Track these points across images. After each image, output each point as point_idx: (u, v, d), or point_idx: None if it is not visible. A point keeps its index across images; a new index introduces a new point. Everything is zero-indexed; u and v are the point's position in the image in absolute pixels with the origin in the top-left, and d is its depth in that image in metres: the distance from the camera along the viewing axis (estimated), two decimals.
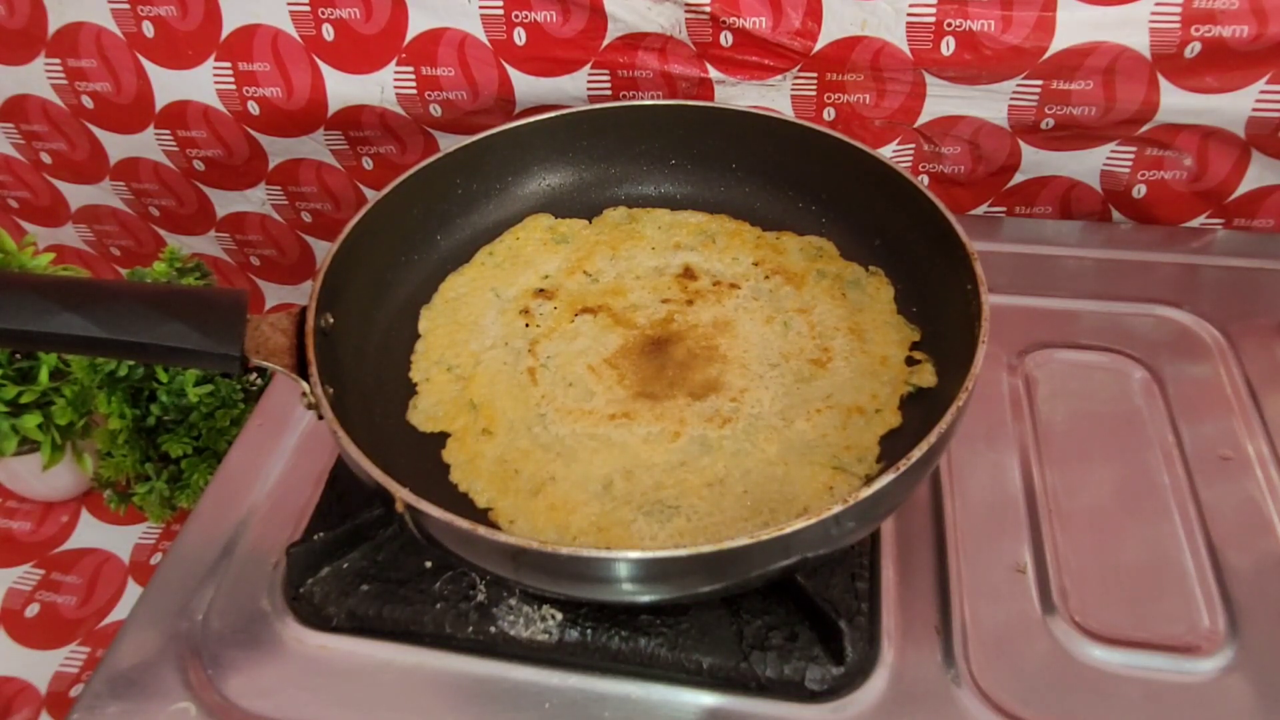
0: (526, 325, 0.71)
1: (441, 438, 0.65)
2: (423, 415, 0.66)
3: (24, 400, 0.90)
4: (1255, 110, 0.81)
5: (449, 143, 0.80)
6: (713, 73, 0.88)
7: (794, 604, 0.59)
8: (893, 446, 0.61)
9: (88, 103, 1.02)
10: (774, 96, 0.89)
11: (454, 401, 0.67)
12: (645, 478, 0.60)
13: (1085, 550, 0.63)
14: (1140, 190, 0.91)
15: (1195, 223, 0.92)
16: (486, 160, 0.77)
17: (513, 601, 0.61)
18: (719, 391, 0.64)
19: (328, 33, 0.92)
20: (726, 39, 0.85)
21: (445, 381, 0.68)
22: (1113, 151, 0.88)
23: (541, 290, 0.73)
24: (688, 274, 0.73)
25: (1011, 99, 0.84)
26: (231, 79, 0.97)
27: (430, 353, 0.70)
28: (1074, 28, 0.79)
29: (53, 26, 0.97)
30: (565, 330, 0.70)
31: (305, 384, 0.56)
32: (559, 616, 0.60)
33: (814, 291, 0.70)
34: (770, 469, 0.60)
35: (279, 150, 1.04)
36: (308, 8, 0.91)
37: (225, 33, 0.94)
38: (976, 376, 0.54)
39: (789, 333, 0.68)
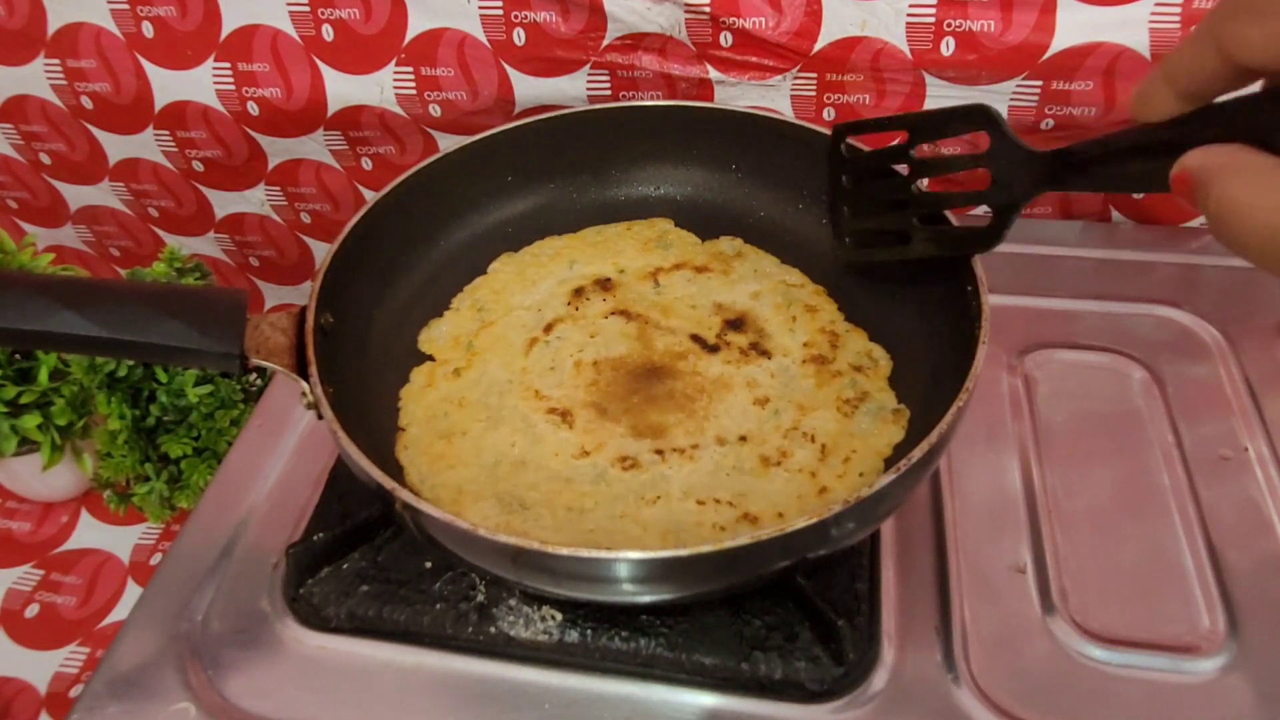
0: (568, 304, 0.72)
1: None
2: (429, 335, 0.71)
3: (24, 400, 0.90)
4: None
5: (449, 143, 0.80)
6: (713, 73, 0.88)
7: (794, 604, 0.59)
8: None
9: (87, 103, 1.02)
10: (774, 97, 0.89)
11: (460, 337, 0.71)
12: (529, 474, 0.61)
13: (1085, 550, 0.63)
14: None
15: (1195, 223, 0.92)
16: (486, 160, 0.77)
17: (512, 602, 0.61)
18: (658, 439, 0.62)
19: (327, 33, 0.92)
20: (726, 39, 0.85)
21: (469, 317, 0.72)
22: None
23: (607, 280, 0.74)
24: (738, 323, 0.69)
25: (1011, 99, 0.84)
26: (231, 79, 0.97)
27: (478, 289, 0.74)
28: (1074, 28, 0.79)
29: (52, 27, 0.97)
30: (592, 323, 0.70)
31: (305, 383, 0.56)
32: (559, 617, 0.60)
33: (829, 395, 0.64)
34: (628, 526, 0.58)
35: (278, 151, 1.04)
36: (307, 8, 0.91)
37: (225, 33, 0.94)
38: (977, 377, 0.53)
39: (770, 420, 0.63)
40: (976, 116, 0.57)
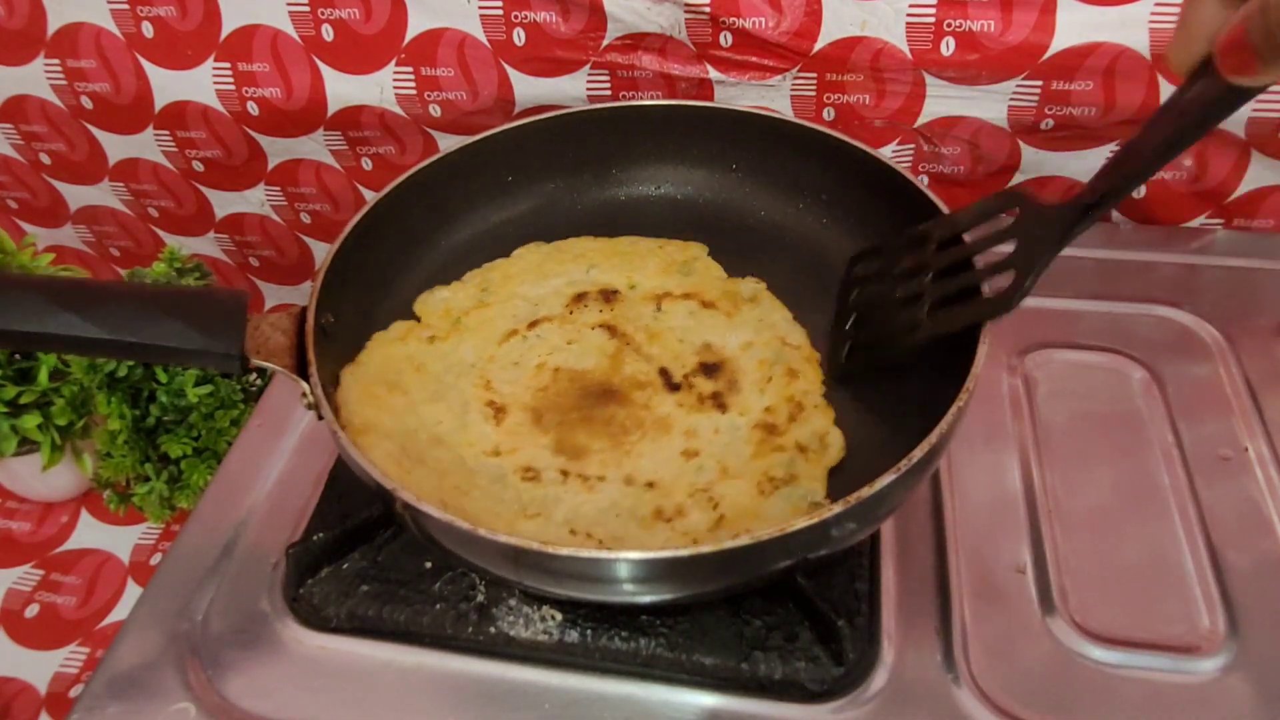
0: (565, 306, 0.71)
1: None
2: (426, 298, 0.72)
3: (24, 400, 0.90)
4: (1255, 111, 0.81)
5: (449, 143, 0.80)
6: (712, 73, 0.88)
7: (794, 604, 0.59)
8: None
9: (87, 103, 1.02)
10: (774, 96, 0.89)
11: (452, 310, 0.71)
12: (439, 451, 0.61)
13: (1085, 550, 0.63)
14: (1140, 190, 0.91)
15: (1195, 223, 0.92)
16: (486, 160, 0.77)
17: (512, 602, 0.61)
18: (575, 460, 0.61)
19: (327, 33, 0.92)
20: (726, 39, 0.85)
21: (470, 294, 0.72)
22: (1112, 152, 0.88)
23: (614, 292, 0.72)
24: (713, 369, 0.67)
25: (1011, 99, 0.84)
26: (231, 79, 0.96)
27: (493, 270, 0.75)
28: (1074, 28, 0.79)
29: (52, 27, 0.97)
30: (576, 331, 0.70)
31: (305, 384, 0.56)
32: (559, 617, 0.60)
33: (758, 468, 0.60)
34: (496, 526, 0.54)
35: (278, 151, 1.04)
36: (307, 8, 0.91)
37: (225, 33, 0.94)
38: (977, 377, 0.53)
39: (688, 475, 0.60)
40: (1008, 200, 0.57)
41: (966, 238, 0.61)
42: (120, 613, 0.96)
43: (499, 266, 0.75)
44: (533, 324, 0.70)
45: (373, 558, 0.64)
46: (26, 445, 0.93)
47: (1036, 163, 0.90)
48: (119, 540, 1.03)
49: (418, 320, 0.71)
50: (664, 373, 0.67)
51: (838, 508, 0.47)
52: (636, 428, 0.63)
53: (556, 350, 0.68)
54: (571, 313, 0.71)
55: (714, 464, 0.61)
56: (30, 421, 0.90)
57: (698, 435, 0.63)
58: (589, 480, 0.60)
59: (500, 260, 0.76)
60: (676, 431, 0.63)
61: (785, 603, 0.59)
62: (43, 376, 0.91)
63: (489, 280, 0.74)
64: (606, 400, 0.65)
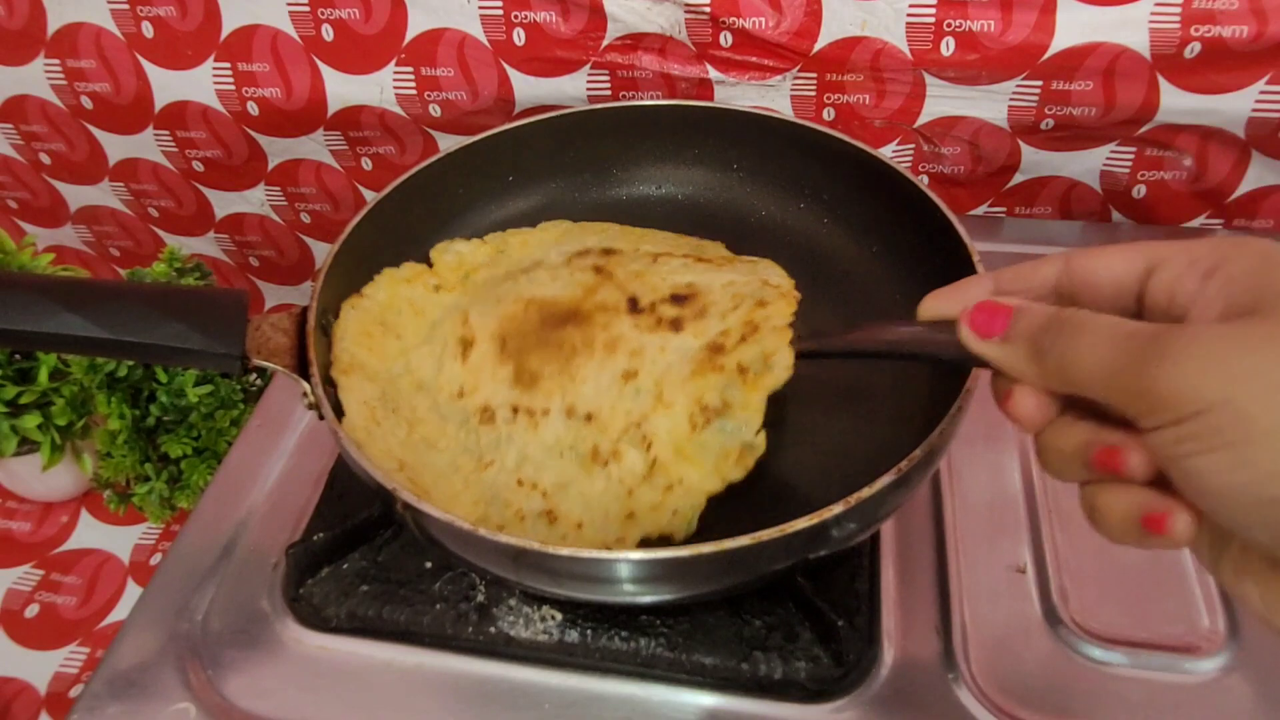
0: (566, 261, 0.68)
1: None
2: (443, 248, 0.72)
3: (24, 400, 0.90)
4: (1255, 110, 0.81)
5: (449, 143, 0.80)
6: (712, 73, 0.88)
7: (794, 604, 0.59)
8: None
9: (87, 103, 1.02)
10: (774, 97, 0.89)
11: (463, 265, 0.71)
12: (420, 397, 0.61)
13: (1085, 550, 0.63)
14: (1140, 190, 0.91)
15: (1195, 223, 0.92)
16: (486, 160, 0.77)
17: (513, 602, 0.61)
18: (526, 391, 0.58)
19: (327, 33, 0.92)
20: (726, 39, 0.85)
21: (485, 252, 0.72)
22: (1112, 152, 0.88)
23: (616, 252, 0.70)
24: (683, 299, 0.61)
25: (1011, 99, 0.84)
26: (231, 79, 0.97)
27: (514, 235, 0.74)
28: (1074, 28, 0.79)
29: (52, 27, 0.97)
30: (567, 273, 0.67)
31: (306, 384, 0.56)
32: (559, 617, 0.60)
33: (692, 393, 0.55)
34: (454, 484, 0.56)
35: (278, 151, 1.04)
36: (307, 8, 0.91)
37: (225, 33, 0.94)
38: (977, 377, 0.53)
39: (625, 402, 0.56)
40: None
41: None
42: (120, 613, 0.96)
43: (522, 233, 0.74)
44: (528, 270, 0.68)
45: (373, 558, 0.64)
46: (26, 445, 0.93)
47: (1036, 163, 0.90)
48: (119, 540, 1.03)
49: (429, 265, 0.70)
50: (632, 300, 0.62)
51: (838, 508, 0.47)
52: (586, 348, 0.59)
53: (541, 285, 0.65)
54: (569, 262, 0.68)
55: (650, 387, 0.56)
56: (30, 421, 0.90)
57: (642, 355, 0.58)
58: (534, 415, 0.57)
59: (525, 228, 0.75)
60: (622, 353, 0.58)
61: (785, 603, 0.59)
62: (43, 376, 0.91)
63: (508, 243, 0.73)
64: (565, 322, 0.61)
